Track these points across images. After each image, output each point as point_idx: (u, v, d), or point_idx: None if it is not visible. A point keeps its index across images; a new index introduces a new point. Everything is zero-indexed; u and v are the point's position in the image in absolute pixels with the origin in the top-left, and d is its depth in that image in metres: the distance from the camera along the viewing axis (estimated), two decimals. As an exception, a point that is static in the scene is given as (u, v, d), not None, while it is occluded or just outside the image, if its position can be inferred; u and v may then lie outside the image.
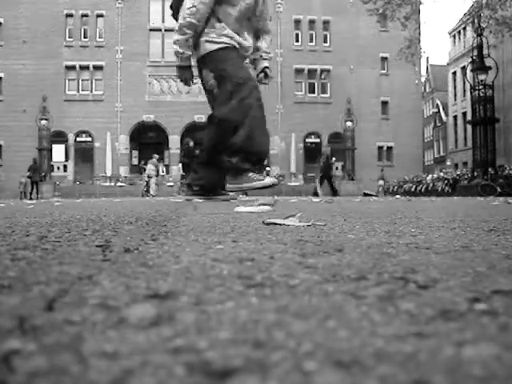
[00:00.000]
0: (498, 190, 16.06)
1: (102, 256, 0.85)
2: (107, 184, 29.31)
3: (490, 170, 17.76)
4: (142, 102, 32.54)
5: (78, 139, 32.61)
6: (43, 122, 26.88)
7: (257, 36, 5.51)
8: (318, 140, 34.00)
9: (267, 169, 31.27)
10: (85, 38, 33.24)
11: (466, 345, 0.36)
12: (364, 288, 0.57)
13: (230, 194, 4.92)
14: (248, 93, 4.76)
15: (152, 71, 33.14)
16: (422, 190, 22.47)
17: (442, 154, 49.65)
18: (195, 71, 4.94)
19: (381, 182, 27.20)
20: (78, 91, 32.75)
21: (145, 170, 22.41)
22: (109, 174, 30.85)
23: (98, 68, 32.91)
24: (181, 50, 4.74)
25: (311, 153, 34.04)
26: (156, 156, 22.66)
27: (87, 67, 32.87)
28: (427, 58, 58.01)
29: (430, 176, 24.08)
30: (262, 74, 5.52)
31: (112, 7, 33.25)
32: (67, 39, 32.94)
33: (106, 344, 0.36)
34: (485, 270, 0.71)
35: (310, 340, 0.37)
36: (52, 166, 29.55)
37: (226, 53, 4.90)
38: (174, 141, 32.11)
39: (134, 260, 0.81)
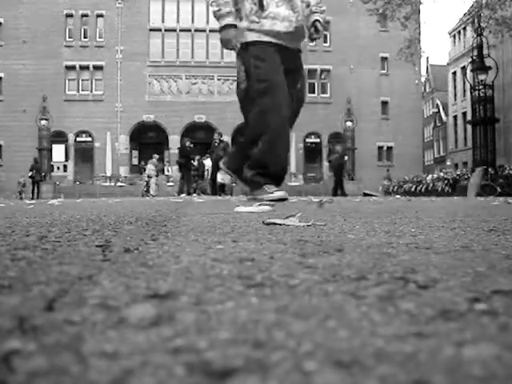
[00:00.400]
0: (498, 190, 16.06)
1: (102, 256, 0.85)
2: (107, 184, 29.31)
3: (490, 170, 17.76)
4: (142, 102, 32.54)
5: (77, 139, 32.62)
6: (43, 122, 26.88)
7: None
8: (318, 140, 34.01)
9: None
10: (85, 38, 33.24)
11: (466, 345, 0.36)
12: (364, 288, 0.57)
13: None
14: (274, 104, 4.48)
15: (152, 71, 33.13)
16: (422, 189, 22.47)
17: (442, 153, 49.65)
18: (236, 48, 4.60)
19: (387, 183, 27.20)
20: (78, 91, 32.76)
21: (145, 169, 22.41)
22: (109, 174, 30.86)
23: (97, 68, 32.92)
24: (216, 8, 4.39)
25: (311, 153, 34.05)
26: (156, 156, 22.66)
27: (87, 67, 32.88)
28: (427, 57, 57.99)
29: (430, 176, 24.08)
30: (313, 29, 4.96)
31: (112, 7, 33.25)
32: (67, 39, 32.95)
33: (106, 344, 0.36)
34: (485, 269, 0.71)
35: (310, 340, 0.37)
36: (52, 166, 29.56)
37: (265, 51, 4.55)
38: (174, 141, 32.09)
39: (133, 260, 0.81)
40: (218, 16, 4.45)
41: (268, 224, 1.59)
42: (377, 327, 0.41)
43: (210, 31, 34.44)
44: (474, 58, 18.84)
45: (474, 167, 18.63)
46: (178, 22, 33.91)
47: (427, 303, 0.49)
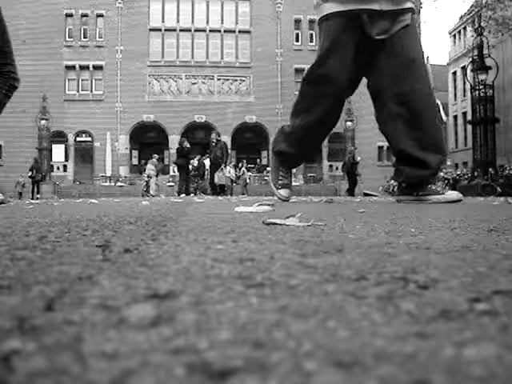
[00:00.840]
0: (499, 189, 16.07)
1: (102, 256, 0.85)
2: (107, 184, 29.32)
3: (490, 169, 17.77)
4: (141, 102, 32.56)
5: (77, 139, 32.65)
6: (43, 122, 26.90)
7: None
8: (318, 140, 34.00)
9: (267, 169, 31.28)
10: (85, 37, 33.26)
11: (466, 345, 0.36)
12: (364, 288, 0.57)
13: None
14: (320, 112, 4.02)
15: (152, 71, 33.15)
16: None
17: (441, 153, 49.58)
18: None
19: (394, 182, 27.19)
20: (78, 91, 32.78)
21: (145, 169, 22.43)
22: (109, 173, 30.88)
23: (97, 68, 32.94)
24: None
25: (311, 153, 34.05)
26: (156, 156, 22.68)
27: (87, 67, 32.90)
28: (427, 57, 57.94)
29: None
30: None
31: (112, 7, 33.27)
32: (67, 39, 32.97)
33: (106, 344, 0.36)
34: (485, 269, 0.71)
35: (310, 340, 0.37)
36: (52, 166, 29.58)
37: (336, 29, 3.68)
38: (174, 141, 32.11)
39: (133, 260, 0.80)
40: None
41: (268, 224, 1.59)
42: (377, 327, 0.41)
43: (210, 31, 34.46)
44: (474, 57, 18.86)
45: (475, 167, 18.65)
46: (178, 21, 33.93)
47: (427, 303, 0.49)
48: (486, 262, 0.78)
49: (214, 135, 16.56)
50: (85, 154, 32.47)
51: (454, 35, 44.41)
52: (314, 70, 4.05)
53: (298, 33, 34.47)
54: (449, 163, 42.21)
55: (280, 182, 4.49)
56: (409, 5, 3.73)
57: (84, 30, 33.17)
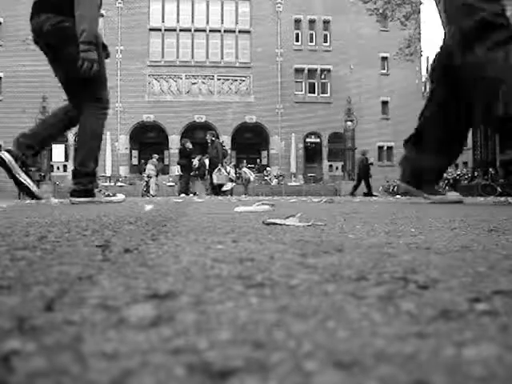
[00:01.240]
0: (499, 189, 16.07)
1: (102, 256, 0.85)
2: (107, 184, 29.33)
3: (490, 170, 17.77)
4: (141, 102, 32.56)
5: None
6: (43, 122, 26.87)
7: None
8: (318, 140, 34.03)
9: (267, 169, 31.30)
10: (85, 37, 33.26)
11: (466, 345, 0.36)
12: (364, 288, 0.57)
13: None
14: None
15: (152, 71, 33.15)
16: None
17: (442, 153, 49.61)
18: None
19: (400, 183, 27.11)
20: (78, 91, 32.78)
21: (145, 169, 22.43)
22: (108, 173, 30.89)
23: (97, 68, 32.92)
24: None
25: (311, 153, 34.06)
26: (156, 156, 22.67)
27: (87, 67, 32.89)
28: (427, 57, 57.96)
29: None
30: None
31: (112, 7, 33.26)
32: (67, 39, 32.97)
33: (106, 344, 0.36)
34: (485, 270, 0.71)
35: (310, 340, 0.37)
36: (52, 166, 29.57)
37: None
38: (174, 141, 32.12)
39: (133, 260, 0.80)
40: None
41: (268, 224, 1.59)
42: (377, 327, 0.41)
43: (210, 31, 34.45)
44: (474, 57, 18.83)
45: (475, 167, 18.65)
46: (177, 21, 33.93)
47: (427, 303, 0.49)
48: (485, 262, 0.78)
49: (208, 136, 16.61)
50: (85, 154, 32.52)
51: (454, 35, 44.43)
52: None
53: (298, 33, 34.47)
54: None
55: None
56: None
57: (84, 29, 33.21)
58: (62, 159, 32.37)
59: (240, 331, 0.40)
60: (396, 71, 33.44)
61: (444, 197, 4.32)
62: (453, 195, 4.47)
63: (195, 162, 18.28)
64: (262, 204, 2.76)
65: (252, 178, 25.15)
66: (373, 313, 0.45)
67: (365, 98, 33.15)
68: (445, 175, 21.94)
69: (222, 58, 33.74)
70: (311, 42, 34.51)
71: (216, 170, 16.08)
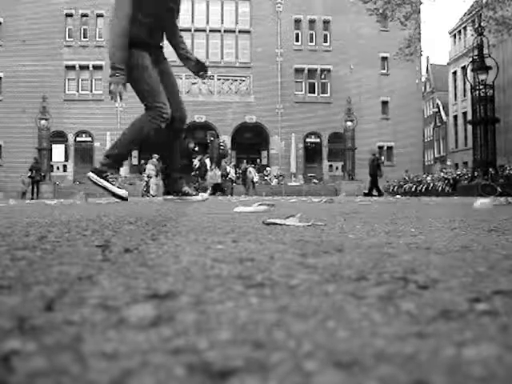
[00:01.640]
0: (499, 189, 16.06)
1: (102, 256, 0.85)
2: (107, 184, 29.29)
3: (490, 169, 17.77)
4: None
5: (77, 139, 32.62)
6: (43, 122, 26.87)
7: None
8: (318, 140, 34.01)
9: (267, 169, 31.30)
10: (85, 37, 33.24)
11: (466, 345, 0.36)
12: (364, 288, 0.57)
13: None
14: None
15: (152, 71, 33.12)
16: (423, 189, 22.47)
17: (442, 153, 49.66)
18: None
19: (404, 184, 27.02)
20: (78, 91, 32.76)
21: (145, 169, 22.41)
22: (109, 173, 30.84)
23: (97, 68, 32.91)
24: None
25: (311, 153, 34.05)
26: (156, 156, 22.63)
27: (87, 67, 32.88)
28: (427, 57, 58.01)
29: (430, 176, 24.08)
30: None
31: (112, 7, 33.25)
32: (67, 39, 32.94)
33: (106, 344, 0.36)
34: (485, 270, 0.71)
35: (310, 340, 0.37)
36: (52, 166, 29.55)
37: None
38: (174, 141, 32.07)
39: (133, 260, 0.80)
40: None
41: (268, 224, 1.59)
42: (377, 327, 0.41)
43: (210, 31, 34.45)
44: (475, 57, 18.85)
45: (475, 167, 18.64)
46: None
47: (427, 303, 0.49)
48: (485, 262, 0.78)
49: (208, 136, 16.65)
50: (85, 154, 32.44)
51: (454, 35, 44.38)
52: None
53: (298, 33, 34.44)
54: (449, 163, 42.22)
55: None
56: None
57: (84, 29, 33.14)
58: (62, 159, 32.34)
59: (240, 331, 0.40)
60: (396, 71, 33.42)
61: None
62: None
63: (195, 161, 18.27)
64: (262, 204, 2.76)
65: (256, 179, 25.16)
66: (373, 313, 0.45)
67: (365, 98, 33.12)
68: (445, 175, 21.94)
69: (221, 58, 33.73)
70: (311, 42, 34.48)
71: (209, 169, 16.10)
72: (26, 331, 0.40)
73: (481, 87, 18.34)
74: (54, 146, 29.87)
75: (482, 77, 18.31)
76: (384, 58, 33.95)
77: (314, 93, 34.18)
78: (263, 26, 34.26)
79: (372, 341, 0.37)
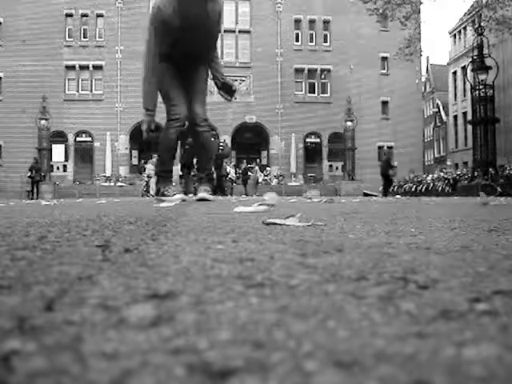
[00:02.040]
0: (499, 190, 16.06)
1: (102, 256, 0.85)
2: (107, 184, 29.31)
3: (490, 169, 17.77)
4: (141, 102, 32.51)
5: (77, 139, 32.61)
6: (43, 122, 26.87)
7: None
8: (318, 140, 34.00)
9: (267, 169, 31.30)
10: (85, 37, 33.22)
11: (466, 345, 0.36)
12: (364, 288, 0.57)
13: None
14: None
15: (152, 71, 33.10)
16: (423, 189, 22.48)
17: (442, 153, 49.66)
18: None
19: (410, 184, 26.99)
20: (78, 91, 32.75)
21: (145, 169, 22.40)
22: (108, 173, 30.86)
23: (97, 68, 32.91)
24: None
25: (311, 153, 34.04)
26: (156, 156, 22.64)
27: (87, 67, 32.86)
28: (427, 57, 58.03)
29: (431, 176, 24.08)
30: None
31: (112, 7, 33.24)
32: (67, 39, 32.93)
33: (106, 344, 0.36)
34: (485, 270, 0.71)
35: (310, 340, 0.37)
36: (52, 165, 29.54)
37: None
38: (174, 141, 32.06)
39: (133, 260, 0.80)
40: None
41: (268, 224, 1.59)
42: (377, 327, 0.41)
43: (210, 31, 34.43)
44: (475, 57, 18.85)
45: (475, 167, 18.64)
46: (177, 21, 33.89)
47: (427, 303, 0.49)
48: (485, 262, 0.78)
49: None
50: (85, 154, 32.44)
51: (454, 35, 44.37)
52: None
53: (298, 33, 34.43)
54: (449, 163, 42.21)
55: None
56: None
57: (84, 30, 33.12)
58: (62, 159, 32.33)
59: (240, 331, 0.40)
60: (396, 71, 33.41)
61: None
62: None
63: (196, 161, 18.24)
64: (262, 204, 2.76)
65: (261, 179, 25.16)
66: (373, 313, 0.45)
67: (365, 98, 33.11)
68: (445, 175, 21.95)
69: (221, 58, 33.76)
70: (311, 42, 34.48)
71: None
72: (26, 331, 0.40)
73: (481, 87, 18.34)
74: (54, 145, 29.87)
75: (482, 77, 18.31)
76: (384, 58, 33.94)
77: (314, 93, 34.17)
78: (263, 26, 34.25)
79: (372, 341, 0.37)
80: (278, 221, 1.61)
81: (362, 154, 31.20)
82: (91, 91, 32.85)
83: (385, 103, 34.20)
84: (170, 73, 4.89)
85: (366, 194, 22.55)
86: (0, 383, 0.29)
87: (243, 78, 33.34)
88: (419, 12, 20.62)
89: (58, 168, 31.75)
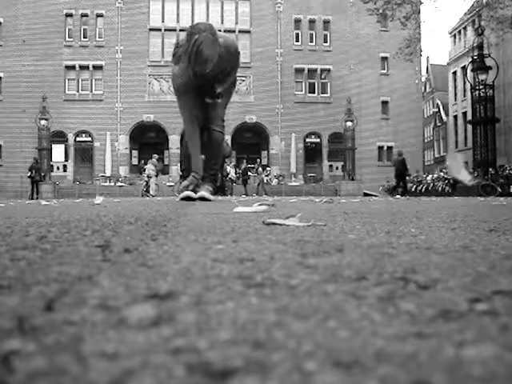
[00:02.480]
0: (499, 189, 16.07)
1: (102, 256, 0.85)
2: (107, 184, 29.30)
3: (490, 169, 17.78)
4: (141, 102, 32.52)
5: (77, 139, 32.60)
6: (43, 122, 26.86)
7: None
8: (318, 140, 33.99)
9: (267, 169, 31.29)
10: (84, 37, 33.21)
11: (466, 345, 0.36)
12: (364, 288, 0.57)
13: None
14: None
15: (152, 71, 33.12)
16: (423, 189, 22.48)
17: (442, 153, 49.65)
18: None
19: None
20: (78, 91, 32.74)
21: (145, 169, 22.39)
22: (108, 173, 30.85)
23: (97, 68, 32.90)
24: None
25: (311, 153, 34.03)
26: (156, 156, 22.64)
27: (87, 67, 32.85)
28: (427, 57, 57.99)
29: (431, 176, 24.09)
30: None
31: (112, 7, 33.24)
32: (67, 39, 32.92)
33: (106, 344, 0.36)
34: (485, 270, 0.71)
35: (311, 340, 0.37)
36: (52, 165, 29.53)
37: None
38: (174, 141, 32.09)
39: (133, 260, 0.80)
40: None
41: (268, 224, 1.59)
42: (377, 327, 0.41)
43: (210, 31, 34.41)
44: (475, 57, 18.86)
45: (475, 167, 18.64)
46: (177, 21, 33.91)
47: (427, 303, 0.49)
48: (486, 262, 0.78)
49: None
50: (85, 154, 32.43)
51: (454, 35, 44.35)
52: None
53: (298, 33, 34.40)
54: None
55: None
56: None
57: (84, 29, 33.10)
58: (62, 159, 32.32)
59: (240, 331, 0.40)
60: (396, 71, 33.41)
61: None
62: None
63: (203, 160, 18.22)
64: (263, 204, 2.75)
65: (265, 179, 25.19)
66: (373, 313, 0.45)
67: (365, 98, 33.11)
68: (445, 175, 21.95)
69: (221, 58, 33.70)
70: (311, 42, 34.46)
71: None
72: (26, 331, 0.39)
73: (481, 87, 18.35)
74: (53, 145, 29.85)
75: (482, 77, 18.32)
76: (384, 58, 33.93)
77: (314, 93, 34.16)
78: (263, 26, 34.25)
79: (372, 341, 0.37)
80: (278, 221, 1.61)
81: (362, 154, 31.19)
82: (91, 91, 32.83)
83: (385, 103, 34.19)
84: (190, 99, 5.42)
85: (366, 194, 22.56)
86: (0, 383, 0.29)
87: (243, 78, 33.34)
88: (419, 12, 20.62)
89: (57, 168, 31.74)
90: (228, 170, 19.79)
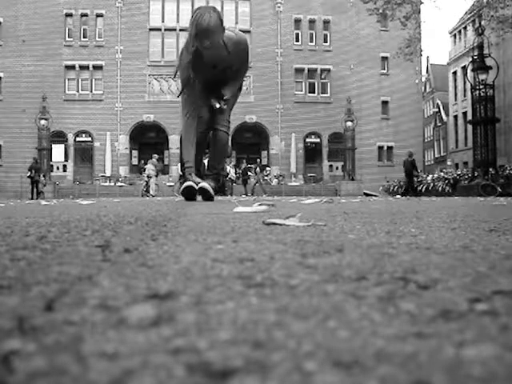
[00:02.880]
0: (499, 190, 16.07)
1: (102, 256, 0.85)
2: (107, 184, 29.31)
3: (490, 169, 17.77)
4: (141, 102, 32.53)
5: (77, 139, 32.60)
6: (43, 121, 26.86)
7: None
8: (318, 140, 34.00)
9: (267, 169, 31.30)
10: (84, 37, 33.22)
11: (466, 345, 0.36)
12: (364, 288, 0.57)
13: None
14: None
15: (152, 71, 33.13)
16: (423, 189, 22.48)
17: (442, 153, 49.67)
18: None
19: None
20: (78, 91, 32.74)
21: (145, 169, 22.40)
22: (108, 173, 30.85)
23: (97, 68, 32.91)
24: None
25: (311, 153, 34.04)
26: (156, 156, 22.65)
27: (87, 67, 32.86)
28: (427, 57, 58.02)
29: (431, 176, 24.08)
30: None
31: (112, 7, 33.24)
32: (67, 39, 32.93)
33: (106, 344, 0.36)
34: (485, 270, 0.71)
35: (311, 340, 0.37)
36: (51, 165, 29.53)
37: None
38: (174, 141, 32.10)
39: (133, 260, 0.80)
40: None
41: (268, 224, 1.59)
42: (377, 327, 0.41)
43: (210, 31, 34.41)
44: (475, 57, 18.85)
45: (475, 167, 18.64)
46: (177, 21, 33.91)
47: (427, 303, 0.49)
48: (486, 262, 0.78)
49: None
50: (85, 154, 32.44)
51: (455, 35, 44.37)
52: None
53: (298, 33, 34.42)
54: (449, 163, 42.21)
55: None
56: None
57: (84, 29, 33.10)
58: (62, 159, 32.32)
59: (240, 331, 0.40)
60: (396, 71, 33.42)
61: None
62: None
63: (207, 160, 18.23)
64: (262, 204, 2.76)
65: (264, 180, 25.21)
66: (373, 313, 0.45)
67: (365, 98, 33.11)
68: (445, 175, 21.95)
69: (222, 58, 33.70)
70: (311, 41, 34.46)
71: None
72: (26, 331, 0.40)
73: (481, 87, 18.34)
74: (53, 145, 29.86)
75: (482, 77, 18.31)
76: (384, 58, 33.93)
77: (314, 93, 34.17)
78: (263, 26, 34.25)
79: (372, 341, 0.37)
80: (278, 221, 1.61)
81: (362, 154, 31.20)
82: (91, 91, 32.84)
83: (385, 103, 34.20)
84: (199, 87, 5.50)
85: (366, 194, 22.56)
86: (0, 383, 0.29)
87: (243, 78, 33.34)
88: (419, 12, 20.61)
89: (57, 168, 31.75)
90: (228, 170, 19.79)
